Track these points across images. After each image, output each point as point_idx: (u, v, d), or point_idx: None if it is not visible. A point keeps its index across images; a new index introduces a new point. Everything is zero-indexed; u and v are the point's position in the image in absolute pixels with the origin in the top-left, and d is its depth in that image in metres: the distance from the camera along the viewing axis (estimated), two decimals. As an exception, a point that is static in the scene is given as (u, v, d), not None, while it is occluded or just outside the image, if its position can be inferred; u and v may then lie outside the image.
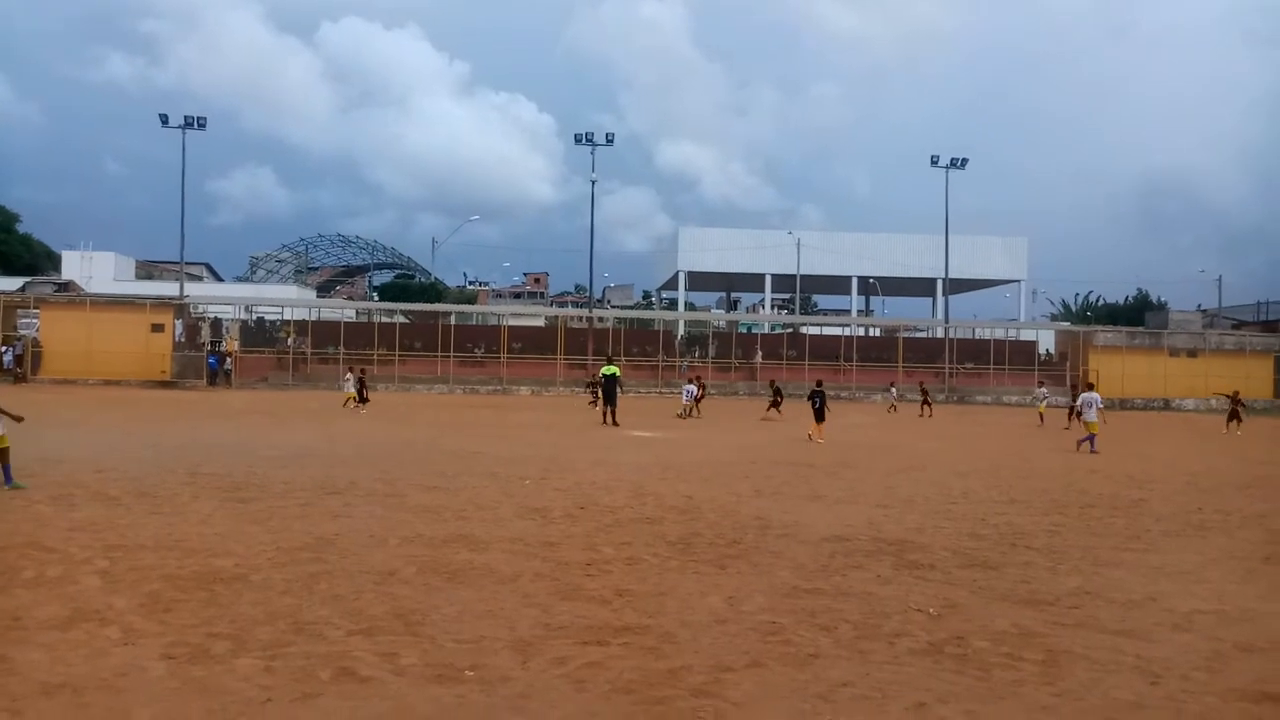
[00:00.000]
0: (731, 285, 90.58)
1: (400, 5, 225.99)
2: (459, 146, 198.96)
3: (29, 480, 11.79)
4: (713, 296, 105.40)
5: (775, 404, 31.03)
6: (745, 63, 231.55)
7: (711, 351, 54.11)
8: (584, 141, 52.85)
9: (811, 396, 22.40)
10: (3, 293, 47.02)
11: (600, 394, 32.61)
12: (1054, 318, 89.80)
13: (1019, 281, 78.93)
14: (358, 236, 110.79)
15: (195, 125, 47.83)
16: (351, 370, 33.64)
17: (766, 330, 64.91)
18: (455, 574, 7.56)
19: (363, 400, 29.52)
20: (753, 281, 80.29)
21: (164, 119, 47.66)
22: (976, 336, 59.20)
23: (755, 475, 14.80)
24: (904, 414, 36.63)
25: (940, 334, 58.19)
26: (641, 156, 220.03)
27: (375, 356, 46.42)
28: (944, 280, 62.56)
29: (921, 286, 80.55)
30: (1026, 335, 60.51)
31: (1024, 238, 79.37)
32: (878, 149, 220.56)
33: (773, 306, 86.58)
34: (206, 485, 12.01)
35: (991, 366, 53.10)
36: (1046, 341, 60.64)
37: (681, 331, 60.81)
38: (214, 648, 5.55)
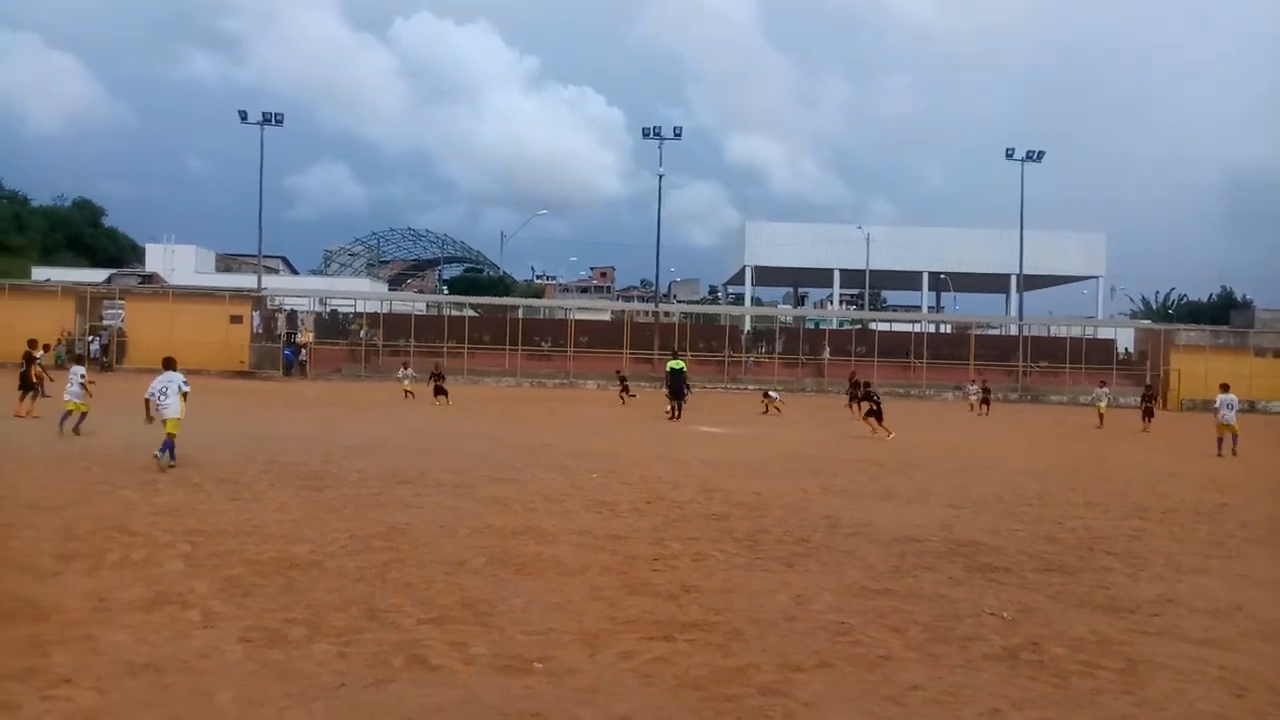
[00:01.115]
0: (799, 280, 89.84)
1: (471, 1, 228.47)
2: (528, 141, 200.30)
3: (113, 466, 12.25)
4: (780, 291, 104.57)
5: (854, 398, 29.74)
6: (815, 54, 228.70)
7: (778, 347, 53.75)
8: (652, 135, 52.84)
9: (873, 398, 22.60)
10: (89, 284, 48.76)
11: (626, 388, 33.46)
12: (1134, 315, 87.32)
13: (1097, 278, 76.85)
14: (428, 230, 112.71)
15: (273, 122, 48.98)
16: (406, 365, 34.35)
17: (835, 326, 64.16)
18: (523, 565, 7.63)
19: (441, 393, 29.51)
20: (821, 277, 79.51)
21: (243, 116, 48.90)
22: (1052, 334, 57.79)
23: (823, 473, 14.66)
24: (977, 412, 35.93)
25: (1014, 331, 56.96)
26: (710, 150, 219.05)
27: (445, 349, 47.06)
28: (1018, 276, 61.19)
29: (995, 283, 78.93)
30: (1104, 333, 58.89)
31: (1102, 233, 77.32)
32: (950, 141, 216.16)
33: (841, 302, 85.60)
34: (283, 473, 12.30)
35: (1067, 365, 51.79)
36: (1125, 340, 58.91)
37: (748, 327, 60.51)
38: (290, 632, 5.68)
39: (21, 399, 18.92)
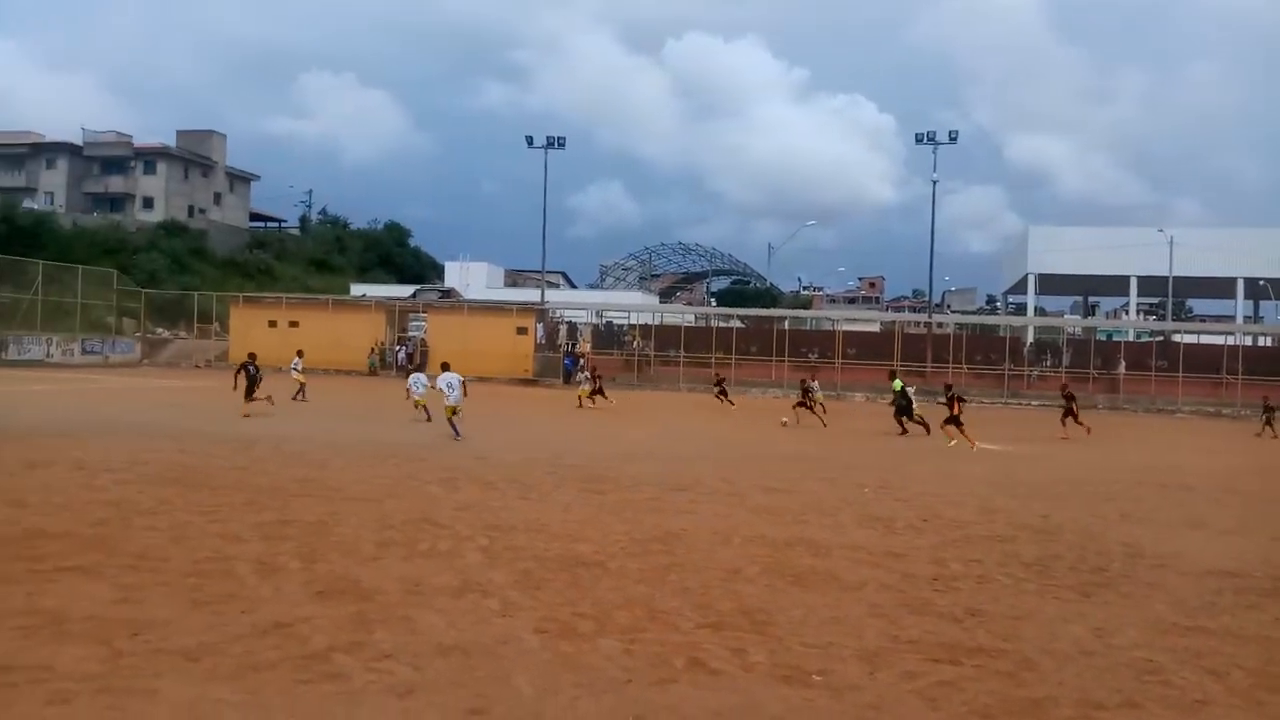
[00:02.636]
0: (1089, 289, 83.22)
1: (739, 17, 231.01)
2: (797, 152, 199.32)
3: (420, 464, 13.49)
4: (1066, 301, 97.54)
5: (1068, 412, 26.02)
6: (1109, 44, 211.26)
7: (1065, 360, 50.09)
8: (925, 140, 51.07)
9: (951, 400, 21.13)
10: (397, 299, 54.01)
11: (724, 393, 32.75)
12: None
13: None
14: (697, 244, 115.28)
15: (556, 145, 52.04)
16: (582, 369, 35.69)
17: (1131, 338, 58.89)
18: (799, 577, 7.61)
19: (598, 392, 30.12)
20: (1115, 284, 73.18)
21: (529, 141, 52.31)
22: (1404, 348, 49.95)
23: (1121, 497, 13.50)
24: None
25: (1354, 345, 49.76)
26: (988, 153, 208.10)
27: (713, 360, 47.82)
28: (1360, 282, 53.46)
29: (1328, 290, 69.34)
30: None
31: None
32: (1270, 133, 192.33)
33: (1139, 312, 78.52)
34: (567, 476, 13.00)
35: None
36: None
37: (1031, 339, 56.89)
38: (579, 626, 6.00)
39: (247, 399, 20.99)
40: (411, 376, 22.54)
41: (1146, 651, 6.01)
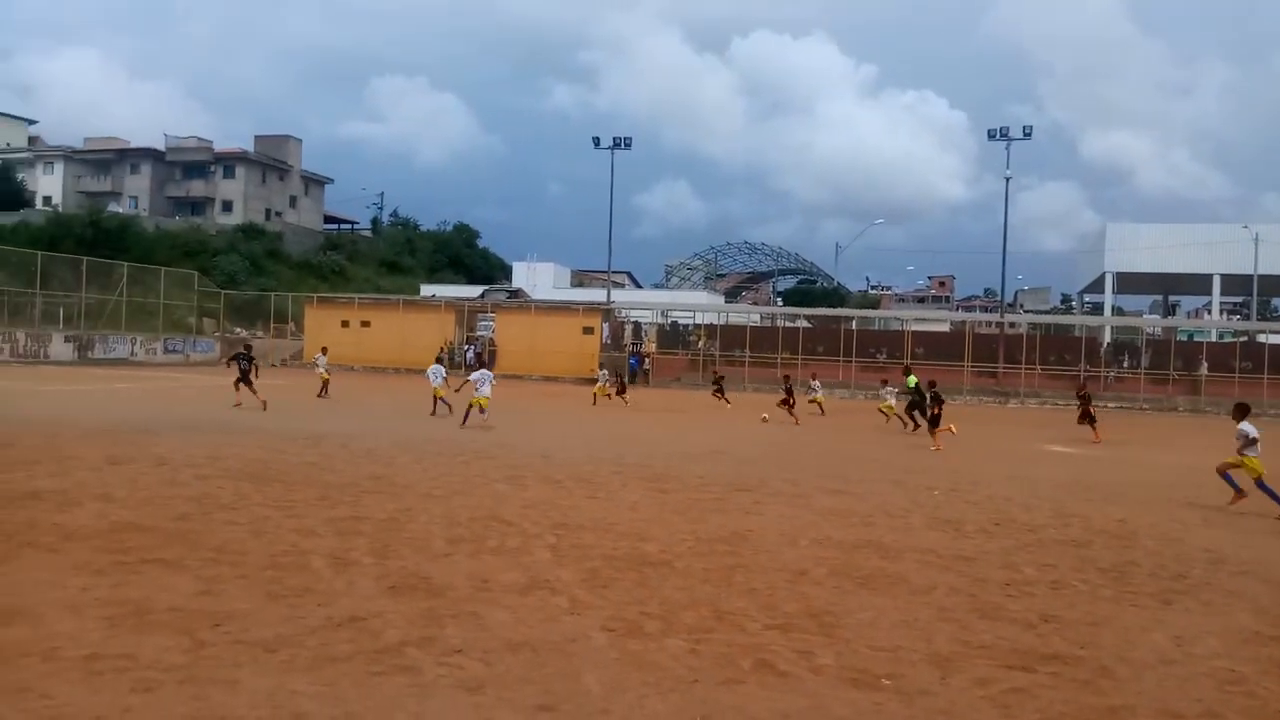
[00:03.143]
0: (1169, 287, 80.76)
1: (807, 14, 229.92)
2: (866, 150, 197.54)
3: (487, 462, 13.66)
4: (1145, 300, 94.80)
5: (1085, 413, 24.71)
6: (1190, 36, 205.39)
7: (1144, 361, 48.69)
8: (998, 137, 50.08)
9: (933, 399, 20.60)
10: (466, 299, 54.75)
11: (721, 390, 31.80)
12: None
13: None
14: (763, 243, 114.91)
15: (622, 145, 52.22)
16: (603, 365, 36.02)
17: (1213, 339, 57.02)
18: (866, 580, 7.54)
19: (621, 391, 30.46)
20: (1197, 283, 70.89)
21: (596, 142, 52.60)
22: None
23: (1202, 501, 13.08)
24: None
25: None
26: (1063, 149, 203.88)
27: (779, 360, 47.53)
28: None
29: None
30: None
31: None
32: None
33: (1222, 312, 75.95)
34: (632, 475, 13.05)
35: None
36: None
37: (1107, 339, 55.43)
38: (646, 625, 6.03)
39: (237, 387, 21.28)
40: (430, 368, 23.44)
41: (1228, 661, 5.83)
